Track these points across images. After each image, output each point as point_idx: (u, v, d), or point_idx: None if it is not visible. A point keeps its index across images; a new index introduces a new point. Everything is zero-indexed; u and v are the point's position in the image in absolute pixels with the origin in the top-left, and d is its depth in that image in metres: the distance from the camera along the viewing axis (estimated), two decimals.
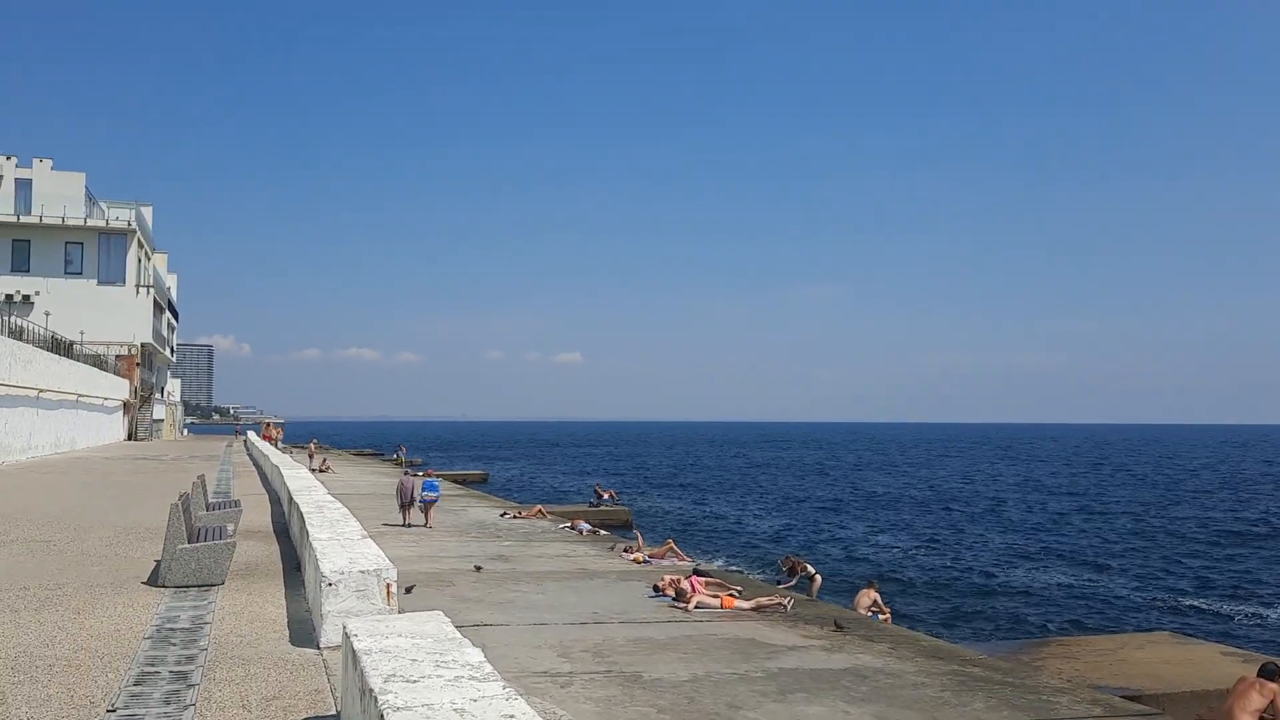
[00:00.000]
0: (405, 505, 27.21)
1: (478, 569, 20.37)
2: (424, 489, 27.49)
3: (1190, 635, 19.26)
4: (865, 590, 19.03)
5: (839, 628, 14.42)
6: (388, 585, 6.98)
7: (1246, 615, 24.86)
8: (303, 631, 10.20)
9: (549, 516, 32.15)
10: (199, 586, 12.30)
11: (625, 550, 22.64)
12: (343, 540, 8.79)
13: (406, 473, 29.66)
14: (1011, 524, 46.62)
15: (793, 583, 22.27)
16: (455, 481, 59.73)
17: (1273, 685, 10.67)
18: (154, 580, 13.07)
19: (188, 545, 12.19)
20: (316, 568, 7.73)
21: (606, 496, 46.81)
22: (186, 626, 10.23)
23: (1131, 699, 13.50)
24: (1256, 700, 10.49)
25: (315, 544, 8.66)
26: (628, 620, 14.93)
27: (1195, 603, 26.46)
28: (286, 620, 10.87)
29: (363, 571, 7.01)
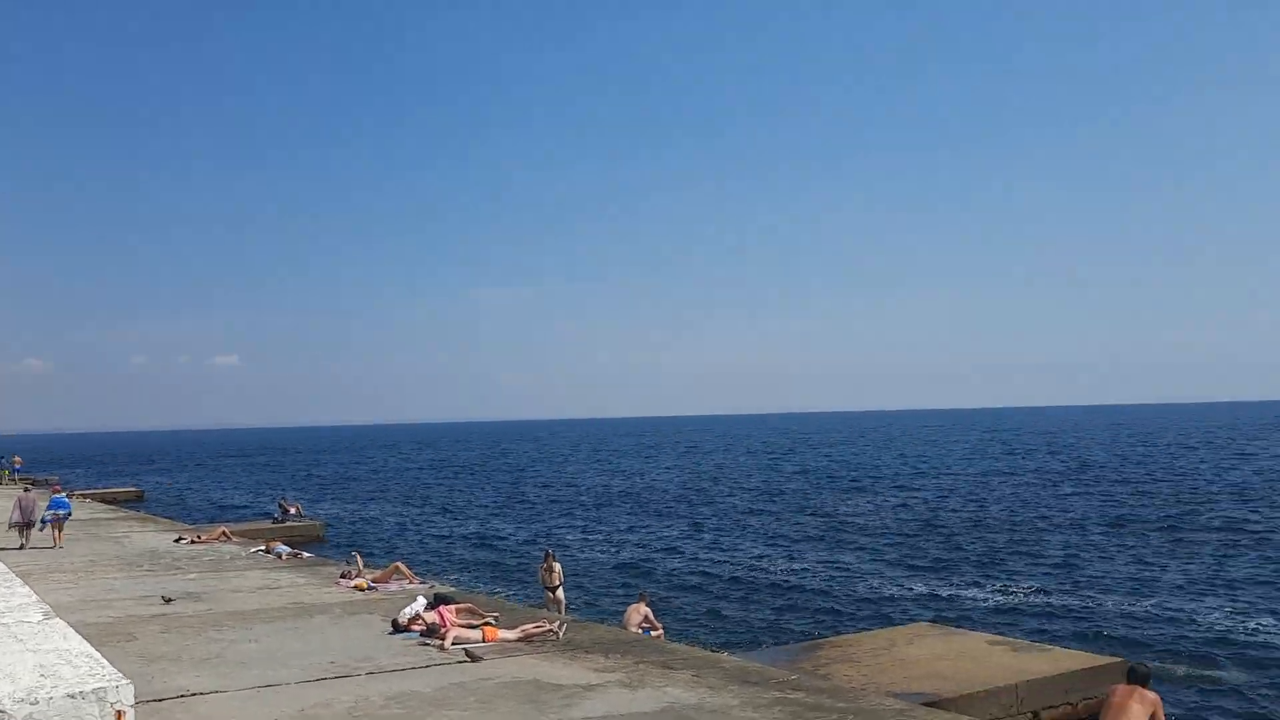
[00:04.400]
0: (25, 525, 24.87)
1: (167, 600, 17.11)
2: (51, 506, 25.49)
3: (945, 623, 19.25)
4: (635, 605, 17.28)
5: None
6: (118, 714, 3.97)
7: (978, 597, 25.63)
8: None
9: (235, 539, 28.09)
10: None
11: (343, 576, 19.61)
12: (12, 624, 5.38)
13: (26, 489, 25.58)
14: (738, 517, 46.81)
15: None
16: (104, 501, 52.45)
17: (1153, 694, 9.99)
18: None
19: None
20: None
21: (293, 511, 42.34)
22: None
23: (932, 705, 12.66)
24: (1138, 711, 9.75)
25: None
26: (377, 669, 12.25)
27: (931, 589, 27.13)
28: None
29: (72, 696, 3.87)
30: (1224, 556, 31.03)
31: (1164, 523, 39.65)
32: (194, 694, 11.04)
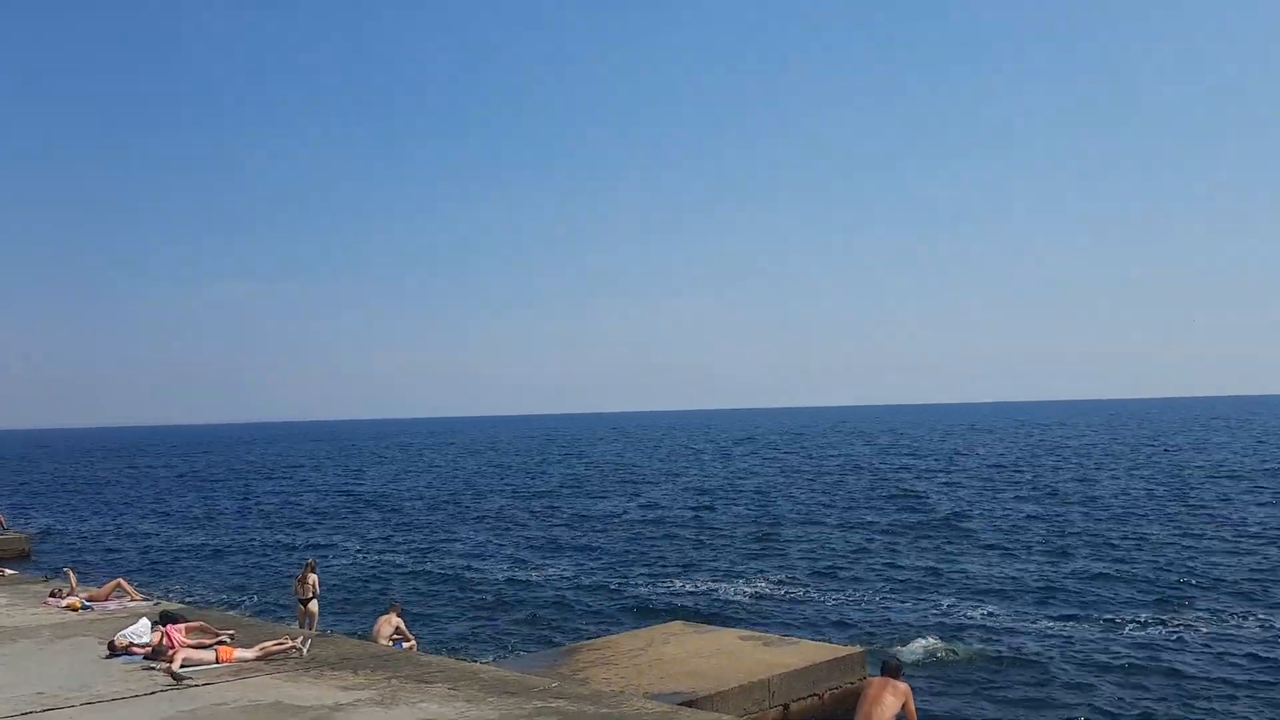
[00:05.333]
0: None
1: None
2: None
3: (697, 621, 19.51)
4: (386, 616, 16.42)
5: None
6: None
7: (727, 594, 26.21)
8: None
9: None
10: None
11: (54, 595, 17.68)
12: None
13: None
14: (490, 524, 45.84)
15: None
16: None
17: (904, 685, 10.38)
18: None
19: None
20: None
21: None
22: None
23: (689, 704, 12.76)
24: (891, 702, 10.10)
25: None
26: (94, 699, 11.03)
27: (682, 588, 27.56)
28: None
29: None
30: (948, 547, 33.49)
31: (898, 519, 42.39)
32: None
